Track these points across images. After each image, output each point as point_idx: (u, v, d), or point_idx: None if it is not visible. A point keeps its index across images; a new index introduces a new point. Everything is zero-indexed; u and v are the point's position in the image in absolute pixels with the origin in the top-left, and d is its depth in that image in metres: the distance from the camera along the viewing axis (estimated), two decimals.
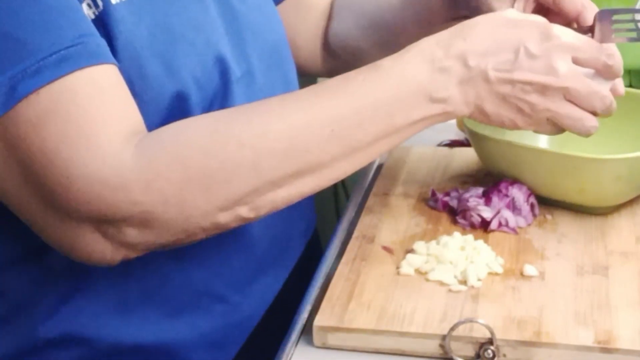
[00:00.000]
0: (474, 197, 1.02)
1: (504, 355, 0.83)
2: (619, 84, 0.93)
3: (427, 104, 0.86)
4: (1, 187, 0.85)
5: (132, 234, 0.84)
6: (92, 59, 0.82)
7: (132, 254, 0.86)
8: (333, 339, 0.86)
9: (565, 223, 1.01)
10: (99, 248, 0.85)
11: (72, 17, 0.83)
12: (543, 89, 0.87)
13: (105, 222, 0.83)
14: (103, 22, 0.87)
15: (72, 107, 0.81)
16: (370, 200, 1.09)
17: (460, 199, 1.04)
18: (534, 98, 0.87)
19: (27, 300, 0.95)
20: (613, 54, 0.90)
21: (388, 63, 0.87)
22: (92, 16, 0.86)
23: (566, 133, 1.10)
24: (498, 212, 1.00)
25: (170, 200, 0.82)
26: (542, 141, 1.14)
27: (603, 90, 0.90)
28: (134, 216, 0.82)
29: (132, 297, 0.95)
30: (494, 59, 0.86)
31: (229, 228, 0.87)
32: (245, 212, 0.85)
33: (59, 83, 0.81)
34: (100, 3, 0.87)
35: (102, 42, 0.84)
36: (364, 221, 1.04)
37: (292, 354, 0.87)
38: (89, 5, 0.86)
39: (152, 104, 0.90)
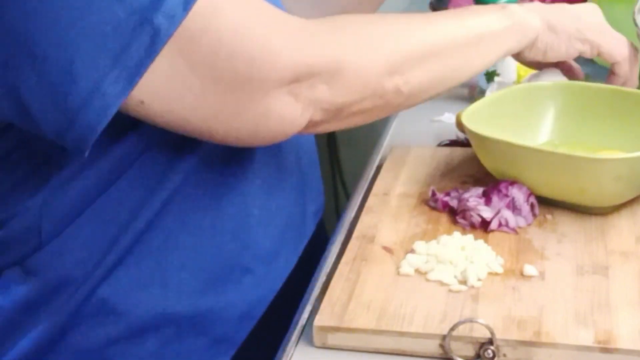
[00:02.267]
0: (474, 197, 1.02)
1: (504, 355, 0.83)
2: None
3: (523, 39, 1.09)
4: (174, 105, 0.86)
5: (323, 90, 0.90)
6: None
7: (319, 115, 0.92)
8: (333, 339, 0.86)
9: (565, 223, 1.01)
10: (290, 110, 0.89)
11: None
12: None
13: (298, 81, 0.88)
14: None
15: None
16: (370, 200, 1.09)
17: (460, 199, 1.04)
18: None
19: (65, 278, 0.96)
20: None
21: (514, 8, 1.08)
22: None
23: (567, 131, 1.11)
24: (498, 212, 1.00)
25: (350, 49, 0.92)
26: (542, 140, 1.15)
27: None
28: (323, 68, 0.89)
29: (170, 268, 0.97)
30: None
31: (392, 101, 0.97)
32: (401, 83, 0.95)
33: None
34: None
35: None
36: (364, 221, 1.04)
37: (292, 354, 0.87)
38: None
39: None
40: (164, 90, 0.84)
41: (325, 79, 0.90)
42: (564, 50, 1.13)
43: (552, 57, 1.13)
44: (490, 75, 1.38)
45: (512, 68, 1.37)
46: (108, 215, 0.95)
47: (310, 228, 1.14)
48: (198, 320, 0.99)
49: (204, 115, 0.87)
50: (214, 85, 0.85)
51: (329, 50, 0.90)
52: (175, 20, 0.82)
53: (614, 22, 1.19)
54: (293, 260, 1.09)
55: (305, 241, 1.12)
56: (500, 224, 1.00)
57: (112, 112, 0.82)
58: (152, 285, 0.97)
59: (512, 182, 1.03)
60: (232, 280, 1.01)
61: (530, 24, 1.09)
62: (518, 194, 1.02)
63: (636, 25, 1.15)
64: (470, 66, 1.05)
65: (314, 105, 0.90)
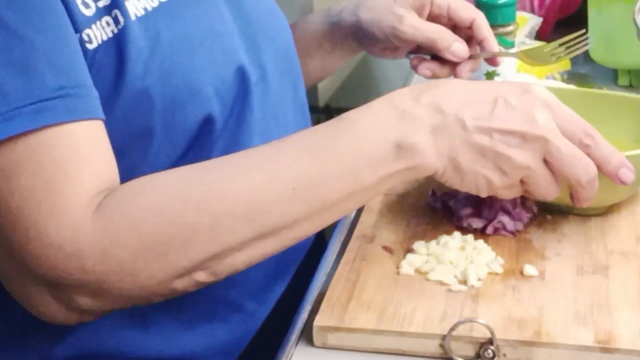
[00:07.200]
0: (467, 207, 1.01)
1: (504, 355, 0.83)
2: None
3: (394, 155, 0.82)
4: None
5: (85, 301, 0.83)
6: (69, 115, 0.81)
7: (86, 319, 0.85)
8: (333, 339, 0.86)
9: (565, 223, 1.01)
10: (52, 309, 0.84)
11: (58, 62, 0.81)
12: (522, 140, 0.83)
13: (57, 287, 0.82)
14: (121, 39, 0.85)
15: (44, 163, 0.80)
16: (370, 200, 1.09)
17: (456, 202, 1.02)
18: (513, 152, 0.83)
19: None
20: (593, 136, 0.86)
21: (354, 114, 0.84)
22: (111, 34, 0.86)
23: None
24: (493, 219, 0.99)
25: (125, 268, 0.81)
26: None
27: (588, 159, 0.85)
28: (86, 284, 0.81)
29: (149, 309, 0.93)
30: (471, 109, 0.83)
31: (187, 292, 0.85)
32: (203, 277, 0.83)
33: (34, 136, 0.79)
34: (121, 20, 0.86)
35: (86, 92, 0.82)
36: (364, 221, 1.04)
37: (292, 354, 0.87)
38: (107, 23, 0.85)
39: (173, 115, 0.89)
40: None
41: (87, 293, 0.82)
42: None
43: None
44: (490, 76, 1.38)
45: (512, 68, 1.37)
46: None
47: (303, 251, 1.08)
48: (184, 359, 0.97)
49: None
50: None
51: (92, 275, 0.80)
52: None
53: (614, 22, 1.20)
54: (283, 287, 1.05)
55: (296, 265, 1.07)
56: (496, 229, 0.99)
57: None
58: (132, 327, 0.95)
59: None
60: (219, 319, 0.98)
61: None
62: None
63: (636, 25, 1.15)
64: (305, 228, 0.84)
65: (78, 311, 0.84)
